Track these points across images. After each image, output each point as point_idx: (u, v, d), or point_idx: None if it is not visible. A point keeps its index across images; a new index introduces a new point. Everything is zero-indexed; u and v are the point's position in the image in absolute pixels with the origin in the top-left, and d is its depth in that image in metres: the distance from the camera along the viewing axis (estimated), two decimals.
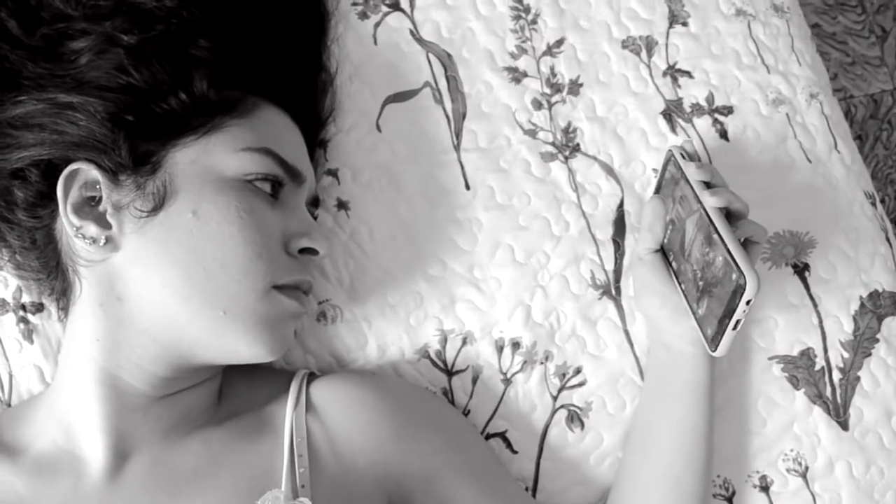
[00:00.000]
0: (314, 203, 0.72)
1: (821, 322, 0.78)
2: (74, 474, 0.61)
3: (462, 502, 0.66)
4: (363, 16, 0.80)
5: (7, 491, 0.60)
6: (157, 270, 0.59)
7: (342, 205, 0.76)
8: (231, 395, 0.69)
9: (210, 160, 0.61)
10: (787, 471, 0.76)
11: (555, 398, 0.75)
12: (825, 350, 0.78)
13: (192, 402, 0.65)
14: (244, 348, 0.61)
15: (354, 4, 0.80)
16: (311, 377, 0.69)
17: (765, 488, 0.76)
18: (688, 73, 0.82)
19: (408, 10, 0.80)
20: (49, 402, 0.65)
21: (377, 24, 0.79)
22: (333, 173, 0.76)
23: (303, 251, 0.65)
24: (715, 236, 0.63)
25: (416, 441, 0.66)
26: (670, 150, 0.71)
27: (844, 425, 0.77)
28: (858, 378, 0.78)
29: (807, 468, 0.76)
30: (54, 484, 0.61)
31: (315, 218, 0.73)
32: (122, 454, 0.62)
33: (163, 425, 0.63)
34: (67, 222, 0.60)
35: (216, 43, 0.65)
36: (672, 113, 0.81)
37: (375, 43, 0.79)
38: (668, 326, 0.70)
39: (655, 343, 0.73)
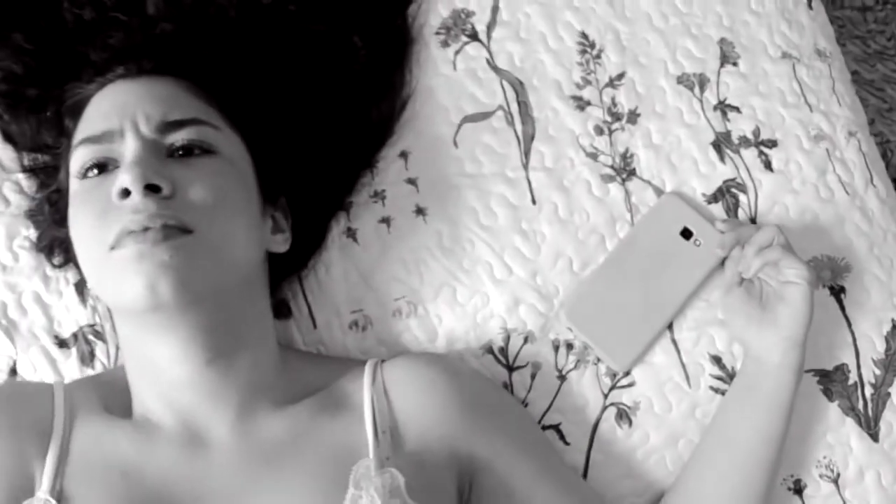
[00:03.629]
0: (166, 128, 0.68)
1: (854, 341, 0.85)
2: (167, 442, 0.68)
3: (521, 479, 0.73)
4: (444, 44, 0.89)
5: (114, 448, 0.67)
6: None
7: (420, 211, 0.84)
8: (302, 378, 0.74)
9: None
10: (820, 476, 0.82)
11: (605, 396, 0.82)
12: (858, 366, 0.84)
13: (246, 375, 0.69)
14: (121, 296, 0.64)
15: (437, 34, 0.89)
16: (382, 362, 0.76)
17: (798, 491, 0.82)
18: (736, 109, 0.90)
19: (485, 40, 0.89)
20: (128, 373, 0.72)
21: (457, 52, 0.89)
22: (413, 182, 0.85)
23: (124, 197, 0.64)
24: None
25: (482, 421, 0.73)
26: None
27: (875, 437, 0.83)
28: (889, 394, 0.84)
29: (838, 475, 0.82)
30: (153, 450, 0.67)
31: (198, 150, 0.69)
32: (194, 425, 0.68)
33: (227, 401, 0.68)
34: None
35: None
36: (721, 144, 0.88)
37: (455, 69, 0.88)
38: (757, 342, 0.77)
39: (747, 357, 0.80)
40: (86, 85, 0.73)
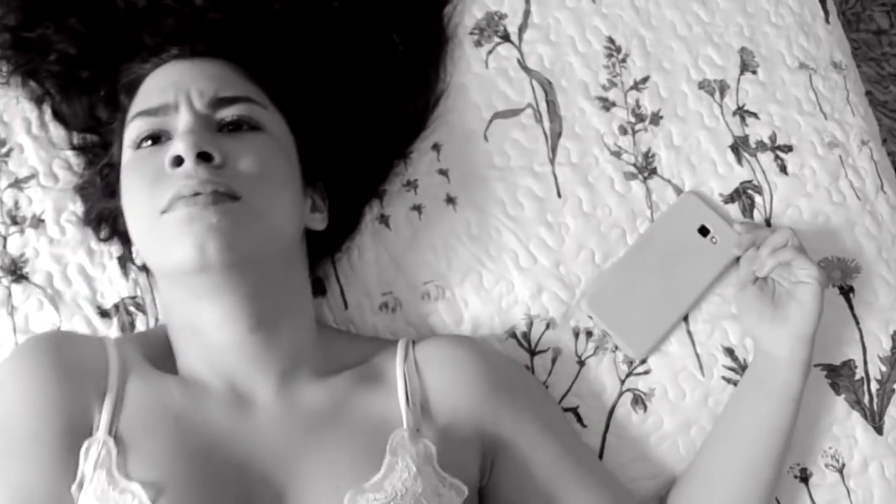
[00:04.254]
0: (217, 103, 0.72)
1: (862, 338, 0.89)
2: (214, 400, 0.71)
3: (543, 456, 0.76)
4: (478, 44, 0.93)
5: (167, 399, 0.71)
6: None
7: (450, 200, 0.88)
8: (337, 352, 0.78)
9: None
10: (826, 466, 0.85)
11: (622, 382, 0.86)
12: (865, 363, 0.88)
13: (288, 344, 0.72)
14: (171, 257, 0.67)
15: (471, 34, 0.93)
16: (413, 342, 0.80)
17: (804, 479, 0.85)
18: (754, 115, 0.94)
19: (516, 42, 0.93)
20: (171, 336, 0.76)
21: (489, 52, 0.93)
22: (444, 173, 0.89)
23: (176, 165, 0.68)
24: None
25: (508, 400, 0.77)
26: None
27: (879, 430, 0.86)
28: (894, 390, 0.87)
29: (843, 465, 0.85)
30: (201, 406, 0.71)
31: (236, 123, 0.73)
32: (239, 388, 0.71)
33: (271, 367, 0.72)
34: None
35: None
36: (739, 147, 0.92)
37: (487, 67, 0.92)
38: (768, 337, 0.81)
39: (758, 351, 0.83)
40: (141, 65, 0.77)
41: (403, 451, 0.69)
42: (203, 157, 0.67)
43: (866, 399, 0.87)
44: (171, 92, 0.72)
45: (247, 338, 0.71)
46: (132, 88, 0.77)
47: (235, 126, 0.72)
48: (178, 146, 0.67)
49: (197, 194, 0.66)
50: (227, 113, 0.72)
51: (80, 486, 0.65)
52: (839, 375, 0.87)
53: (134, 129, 0.72)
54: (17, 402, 0.68)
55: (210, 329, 0.71)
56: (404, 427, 0.71)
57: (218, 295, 0.69)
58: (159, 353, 0.75)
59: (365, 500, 0.65)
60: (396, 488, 0.66)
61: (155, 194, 0.68)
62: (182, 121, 0.70)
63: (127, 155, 0.73)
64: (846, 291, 0.90)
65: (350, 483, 0.66)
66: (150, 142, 0.71)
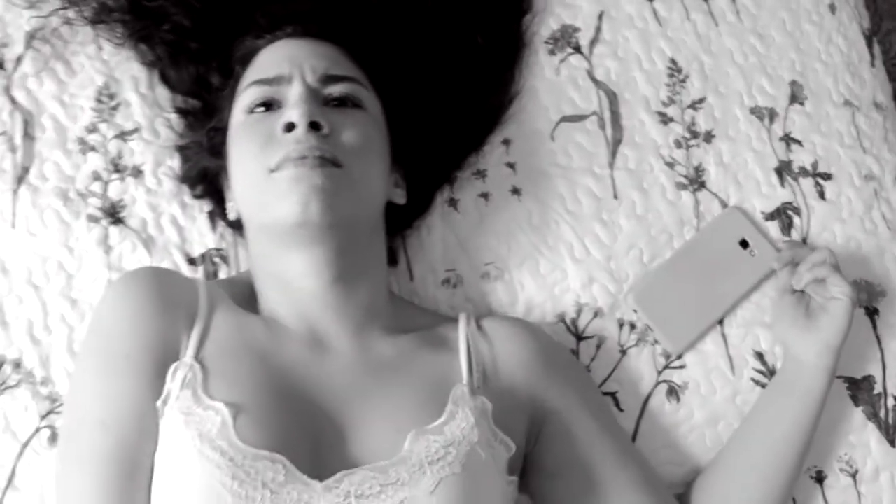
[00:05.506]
0: (327, 80, 0.80)
1: (883, 357, 0.96)
2: (294, 340, 0.78)
3: (584, 431, 0.83)
4: (552, 53, 1.01)
5: (250, 334, 0.78)
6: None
7: (516, 191, 0.96)
8: (405, 316, 0.85)
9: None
10: (840, 470, 0.92)
11: (659, 373, 0.93)
12: (884, 379, 0.95)
13: (364, 299, 0.80)
14: (276, 211, 0.74)
15: (546, 43, 1.02)
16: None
17: (819, 480, 0.92)
18: (799, 142, 1.02)
19: (587, 54, 1.02)
20: (257, 283, 0.83)
21: (561, 61, 1.01)
22: (512, 166, 0.97)
23: (288, 130, 0.75)
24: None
25: (557, 376, 0.84)
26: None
27: (892, 443, 0.93)
28: None
29: (856, 471, 0.92)
30: (282, 343, 0.78)
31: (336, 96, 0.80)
32: (318, 333, 0.78)
33: (348, 317, 0.79)
34: None
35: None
36: (783, 170, 1.00)
37: (558, 74, 1.00)
38: (798, 344, 0.88)
39: (787, 357, 0.90)
40: (255, 40, 0.85)
41: (463, 403, 0.75)
42: (313, 125, 0.75)
43: (882, 413, 0.94)
44: (286, 65, 0.80)
45: (329, 288, 0.78)
46: (246, 60, 0.85)
47: (341, 102, 0.80)
48: (293, 113, 0.75)
49: (304, 157, 0.74)
50: (335, 89, 0.80)
51: (165, 401, 0.72)
52: (859, 388, 0.94)
53: (248, 96, 0.80)
54: (119, 324, 0.75)
55: (296, 278, 0.78)
56: (464, 383, 0.78)
57: (309, 247, 0.76)
58: (244, 296, 0.83)
59: (426, 441, 0.71)
60: (455, 434, 0.73)
61: (266, 154, 0.75)
62: (295, 91, 0.78)
63: (239, 118, 0.81)
64: (871, 312, 0.97)
65: (410, 426, 0.73)
66: (262, 108, 0.79)
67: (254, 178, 0.77)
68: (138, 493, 0.70)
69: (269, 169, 0.75)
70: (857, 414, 0.94)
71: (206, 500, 0.66)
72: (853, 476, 0.92)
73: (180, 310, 0.77)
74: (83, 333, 0.86)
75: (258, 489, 0.66)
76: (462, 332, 0.83)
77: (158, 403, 0.72)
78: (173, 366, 0.73)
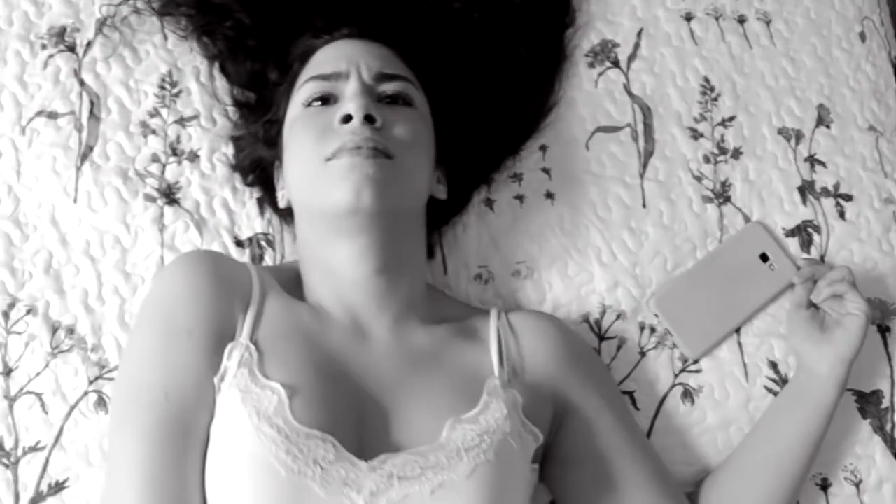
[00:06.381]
0: (381, 78, 0.85)
1: (892, 373, 1.00)
2: (338, 327, 0.83)
3: (602, 424, 0.87)
4: (591, 65, 1.06)
5: (298, 318, 0.82)
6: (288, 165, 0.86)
7: (549, 195, 1.01)
8: (440, 308, 0.90)
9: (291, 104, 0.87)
10: (845, 479, 0.96)
11: (675, 376, 0.97)
12: (892, 395, 0.99)
13: (404, 291, 0.84)
14: (329, 198, 0.79)
15: (586, 56, 1.06)
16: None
17: (824, 488, 0.96)
18: (823, 164, 1.06)
19: (624, 69, 1.06)
20: (303, 270, 0.88)
21: (600, 74, 1.06)
22: (547, 171, 1.02)
23: (344, 122, 0.81)
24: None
25: (581, 372, 0.88)
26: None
27: None
28: None
29: (860, 481, 0.96)
30: (327, 329, 0.83)
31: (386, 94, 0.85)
32: (360, 321, 0.83)
33: (389, 308, 0.83)
34: None
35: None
36: (806, 189, 1.04)
37: (596, 87, 1.05)
38: (812, 355, 0.92)
39: (800, 368, 0.94)
40: (313, 39, 0.91)
41: (497, 395, 0.80)
42: (368, 118, 0.80)
43: (888, 427, 0.98)
44: (344, 63, 0.85)
45: (372, 278, 0.83)
46: (305, 57, 0.90)
47: (393, 99, 0.85)
48: (350, 106, 0.80)
49: (359, 147, 0.79)
50: (388, 87, 0.85)
51: (222, 378, 0.76)
52: (868, 402, 0.98)
53: (307, 91, 0.85)
54: (181, 302, 0.79)
55: (342, 266, 0.83)
56: (496, 376, 0.83)
57: (357, 235, 0.81)
58: (290, 283, 0.87)
59: (462, 430, 0.76)
60: (489, 424, 0.77)
61: (322, 144, 0.81)
62: (351, 87, 0.83)
63: (296, 111, 0.86)
64: (883, 330, 1.01)
65: (447, 414, 0.77)
66: (319, 102, 0.84)
67: (310, 167, 0.82)
68: (191, 460, 0.74)
69: (325, 158, 0.80)
70: (865, 426, 0.98)
71: (260, 473, 0.70)
72: (857, 485, 0.96)
73: (237, 292, 0.81)
74: (135, 306, 0.92)
75: (310, 465, 0.70)
76: (493, 326, 0.88)
77: (215, 379, 0.76)
78: (229, 345, 0.78)
